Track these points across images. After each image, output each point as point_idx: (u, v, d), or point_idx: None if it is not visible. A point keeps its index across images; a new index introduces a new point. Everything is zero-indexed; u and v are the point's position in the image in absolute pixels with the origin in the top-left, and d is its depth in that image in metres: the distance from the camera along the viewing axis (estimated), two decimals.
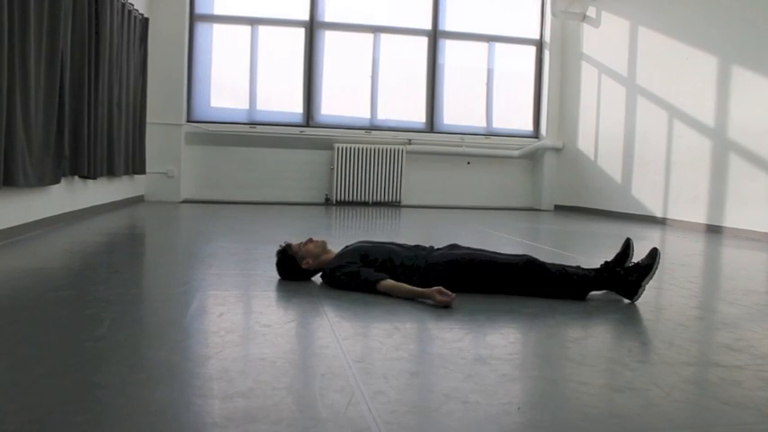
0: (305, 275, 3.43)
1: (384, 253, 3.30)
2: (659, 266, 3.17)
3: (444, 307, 2.88)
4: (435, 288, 2.93)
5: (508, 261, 3.21)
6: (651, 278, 3.12)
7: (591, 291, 3.21)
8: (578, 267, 3.27)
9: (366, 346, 2.27)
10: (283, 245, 3.46)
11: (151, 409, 1.61)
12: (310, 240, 3.42)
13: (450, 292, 2.91)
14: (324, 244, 3.44)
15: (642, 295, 3.10)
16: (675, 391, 1.85)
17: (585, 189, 9.43)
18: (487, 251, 3.35)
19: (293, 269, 3.40)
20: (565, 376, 2.01)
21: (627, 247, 3.35)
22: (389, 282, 3.12)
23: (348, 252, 3.35)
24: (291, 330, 2.43)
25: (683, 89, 7.50)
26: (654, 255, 3.14)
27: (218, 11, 9.36)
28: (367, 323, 2.63)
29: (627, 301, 3.13)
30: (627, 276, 3.14)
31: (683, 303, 3.18)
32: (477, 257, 3.24)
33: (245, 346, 2.20)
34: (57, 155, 5.21)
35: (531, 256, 3.26)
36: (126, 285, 3.28)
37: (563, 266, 3.25)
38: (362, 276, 3.15)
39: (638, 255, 3.29)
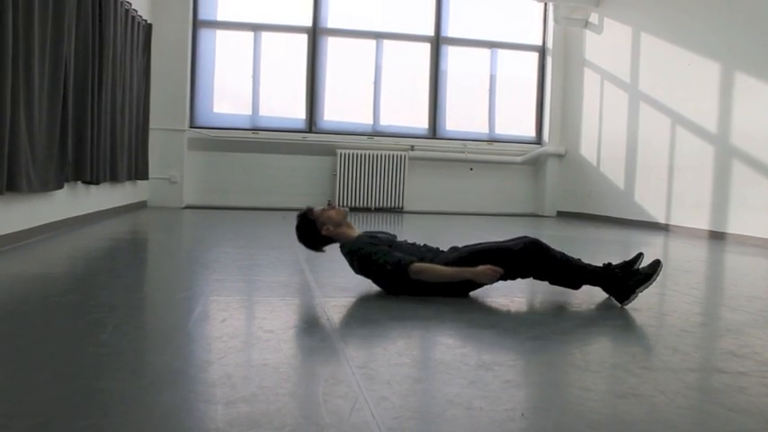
0: (322, 242, 3.38)
1: (405, 249, 3.28)
2: (659, 278, 3.17)
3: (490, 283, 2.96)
4: (484, 267, 2.95)
5: (511, 246, 3.14)
6: (647, 288, 3.12)
7: (587, 283, 3.18)
8: (579, 260, 3.25)
9: (369, 351, 2.27)
10: (305, 209, 3.44)
11: (154, 415, 1.60)
12: (332, 207, 3.40)
13: (497, 268, 2.95)
14: (345, 213, 3.39)
15: (634, 301, 3.09)
16: (679, 398, 1.85)
17: (588, 195, 9.43)
18: (487, 242, 3.31)
19: (312, 234, 3.36)
20: (568, 382, 2.00)
21: (636, 259, 3.29)
22: (423, 264, 3.07)
23: (377, 238, 3.28)
24: (294, 336, 2.43)
25: (686, 95, 7.50)
26: (656, 266, 3.13)
27: (221, 17, 9.39)
28: (370, 329, 2.62)
29: (618, 304, 3.12)
30: (625, 280, 3.13)
31: (686, 309, 3.17)
32: (477, 248, 3.20)
33: (248, 351, 2.20)
34: (60, 160, 5.22)
35: (532, 237, 3.18)
36: (129, 291, 3.28)
37: (566, 256, 3.21)
38: (395, 258, 3.09)
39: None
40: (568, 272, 3.15)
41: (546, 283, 3.21)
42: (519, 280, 3.20)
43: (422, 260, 3.17)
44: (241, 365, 2.00)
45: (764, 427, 1.66)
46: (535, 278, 3.18)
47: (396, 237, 3.44)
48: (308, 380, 1.93)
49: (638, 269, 3.17)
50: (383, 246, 3.20)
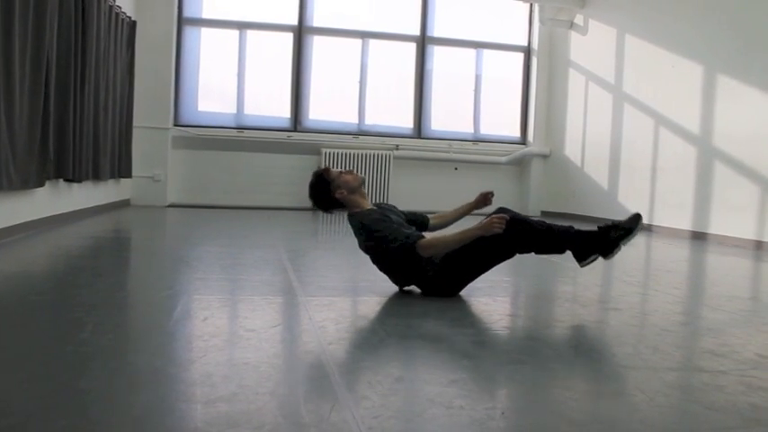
0: (333, 205, 3.37)
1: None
2: (639, 233, 3.19)
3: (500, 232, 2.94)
4: (489, 219, 2.96)
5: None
6: (629, 241, 3.14)
7: (570, 244, 3.16)
8: (558, 225, 3.22)
9: (351, 350, 2.26)
10: (322, 167, 3.43)
11: (133, 414, 1.59)
12: (350, 171, 3.39)
13: (501, 215, 2.97)
14: (362, 180, 3.38)
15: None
16: (659, 396, 1.86)
17: (572, 195, 9.47)
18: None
19: (324, 195, 3.34)
20: (549, 381, 2.00)
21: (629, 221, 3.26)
22: (429, 238, 3.05)
23: (388, 217, 3.25)
24: (276, 335, 2.42)
25: (669, 97, 7.55)
26: (636, 219, 3.17)
27: (206, 15, 9.33)
28: (352, 328, 2.62)
29: (602, 258, 3.14)
30: (607, 233, 3.14)
31: (668, 309, 3.20)
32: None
33: (229, 350, 2.18)
34: (41, 158, 5.17)
35: (510, 213, 3.15)
36: (110, 289, 3.26)
37: (545, 222, 3.20)
38: (403, 234, 3.07)
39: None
40: (551, 239, 3.13)
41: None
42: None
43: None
44: (221, 364, 1.99)
45: (741, 424, 1.67)
46: (520, 253, 3.15)
47: (404, 219, 3.44)
48: (289, 379, 1.92)
49: (619, 223, 3.19)
50: (392, 223, 3.17)
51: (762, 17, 6.31)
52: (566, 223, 3.25)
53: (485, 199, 3.52)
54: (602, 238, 3.14)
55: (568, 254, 3.18)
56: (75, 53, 5.85)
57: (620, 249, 3.13)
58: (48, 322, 2.52)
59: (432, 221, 3.55)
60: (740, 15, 6.59)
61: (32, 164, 5.00)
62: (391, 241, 3.07)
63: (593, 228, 3.21)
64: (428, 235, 3.17)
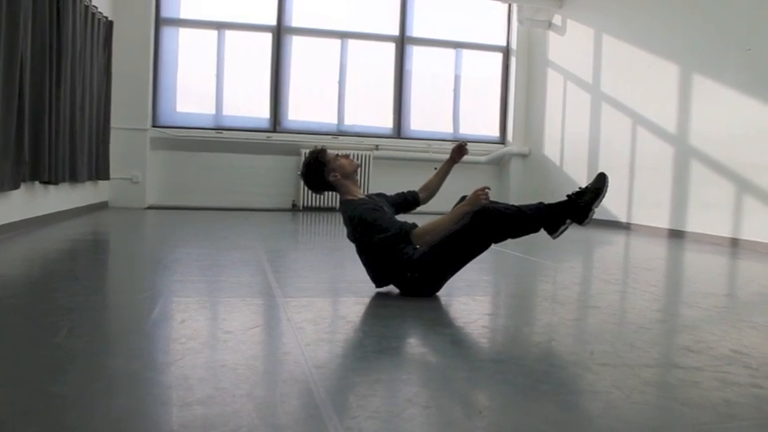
0: (324, 187, 3.35)
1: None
2: (608, 192, 3.23)
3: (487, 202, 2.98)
4: (473, 193, 2.99)
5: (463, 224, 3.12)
6: (600, 202, 3.18)
7: (543, 221, 3.17)
8: (528, 204, 3.26)
9: (329, 352, 2.25)
10: (319, 147, 3.41)
11: (109, 418, 1.57)
12: (346, 156, 3.37)
13: (484, 186, 3.02)
14: (357, 167, 3.37)
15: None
16: (635, 393, 1.87)
17: (551, 194, 9.49)
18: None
19: (318, 176, 3.32)
20: (527, 380, 2.01)
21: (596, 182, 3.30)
22: (422, 226, 3.05)
23: (383, 208, 3.24)
24: (254, 337, 2.41)
25: (646, 96, 7.62)
26: (602, 179, 3.21)
27: (184, 15, 9.26)
28: (330, 329, 2.61)
29: (577, 224, 3.18)
30: (577, 200, 3.18)
31: (645, 306, 3.23)
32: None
33: (207, 352, 2.17)
34: (16, 159, 5.10)
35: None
36: (87, 292, 3.22)
37: (514, 206, 3.21)
38: (398, 224, 3.07)
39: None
40: (524, 221, 3.14)
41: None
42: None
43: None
44: (198, 367, 1.98)
45: (715, 419, 1.69)
46: (496, 242, 3.14)
47: (393, 207, 3.45)
48: (266, 381, 1.91)
49: (586, 187, 3.22)
50: (385, 214, 3.16)
51: (736, 17, 6.40)
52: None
53: (460, 149, 3.55)
54: (573, 206, 3.17)
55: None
56: (50, 53, 5.78)
57: (593, 213, 3.16)
58: (23, 326, 2.49)
59: (421, 195, 3.57)
60: (715, 16, 6.67)
61: (7, 166, 4.94)
62: (384, 231, 3.06)
63: (563, 198, 3.25)
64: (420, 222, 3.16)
